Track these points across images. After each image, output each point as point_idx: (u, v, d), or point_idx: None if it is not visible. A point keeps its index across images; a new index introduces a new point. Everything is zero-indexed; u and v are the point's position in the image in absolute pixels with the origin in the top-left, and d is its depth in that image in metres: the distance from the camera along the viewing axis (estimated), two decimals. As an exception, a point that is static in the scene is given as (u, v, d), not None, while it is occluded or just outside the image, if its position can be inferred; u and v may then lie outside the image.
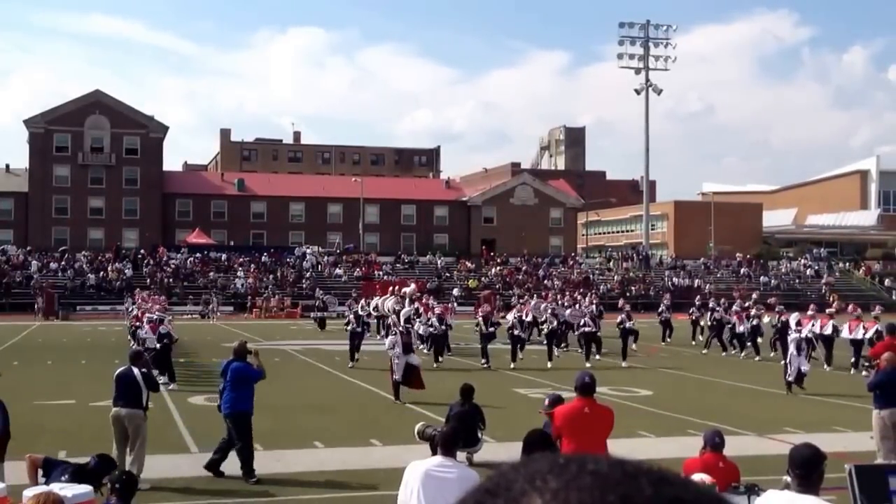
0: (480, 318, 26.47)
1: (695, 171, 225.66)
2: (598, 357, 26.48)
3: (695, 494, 0.76)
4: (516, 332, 25.75)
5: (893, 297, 63.67)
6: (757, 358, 28.04)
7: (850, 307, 28.96)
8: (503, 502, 0.75)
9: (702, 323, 33.24)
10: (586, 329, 26.77)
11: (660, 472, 0.77)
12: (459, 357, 27.40)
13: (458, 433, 7.10)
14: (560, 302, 32.18)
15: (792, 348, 20.89)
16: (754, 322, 29.03)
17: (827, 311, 28.47)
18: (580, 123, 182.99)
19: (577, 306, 30.22)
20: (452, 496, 4.21)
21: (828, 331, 26.07)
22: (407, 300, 27.71)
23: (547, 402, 9.00)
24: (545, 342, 27.16)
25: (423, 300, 30.29)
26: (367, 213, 74.92)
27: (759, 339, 28.89)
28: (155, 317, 22.86)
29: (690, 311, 34.69)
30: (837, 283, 67.75)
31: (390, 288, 34.53)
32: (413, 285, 34.38)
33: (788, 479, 5.64)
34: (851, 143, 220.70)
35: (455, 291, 58.21)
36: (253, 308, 53.22)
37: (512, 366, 24.63)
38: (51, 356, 27.45)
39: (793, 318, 24.12)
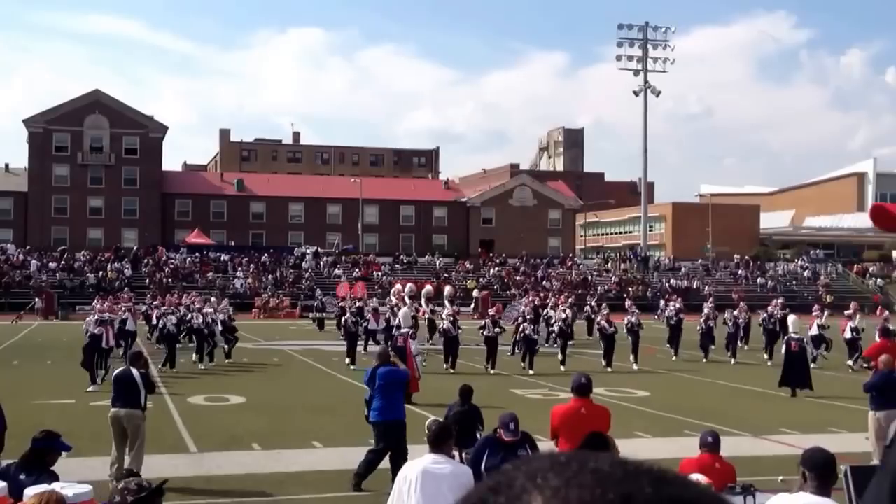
0: (489, 320, 25.91)
1: (693, 173, 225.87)
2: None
3: (695, 494, 0.76)
4: (527, 334, 25.25)
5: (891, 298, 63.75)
6: (732, 361, 27.79)
7: (879, 309, 28.98)
8: (505, 500, 0.76)
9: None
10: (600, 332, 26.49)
11: (660, 472, 0.77)
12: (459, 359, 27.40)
13: (447, 430, 7.13)
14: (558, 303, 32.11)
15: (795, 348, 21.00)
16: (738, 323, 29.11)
17: (846, 312, 28.37)
18: (579, 125, 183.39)
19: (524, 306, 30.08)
20: (448, 489, 4.33)
21: (847, 334, 26.14)
22: (410, 299, 27.66)
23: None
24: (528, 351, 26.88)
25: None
26: (366, 213, 74.96)
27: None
28: (96, 317, 23.26)
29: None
30: (834, 285, 67.89)
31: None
32: (428, 286, 34.43)
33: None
34: (849, 146, 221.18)
35: (475, 293, 56.28)
36: (252, 308, 53.23)
37: (530, 372, 23.84)
38: (50, 356, 27.48)
39: (791, 319, 24.09)
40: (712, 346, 28.86)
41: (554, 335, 28.14)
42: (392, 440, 11.14)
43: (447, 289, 32.74)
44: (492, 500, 0.76)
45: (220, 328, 26.27)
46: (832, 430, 15.53)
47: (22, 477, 7.06)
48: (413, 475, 6.52)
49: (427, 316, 30.15)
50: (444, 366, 24.27)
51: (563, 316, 27.87)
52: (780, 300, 33.52)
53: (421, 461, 6.71)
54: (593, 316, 34.20)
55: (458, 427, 9.41)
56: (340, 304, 36.66)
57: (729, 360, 28.00)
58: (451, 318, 25.66)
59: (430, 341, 29.86)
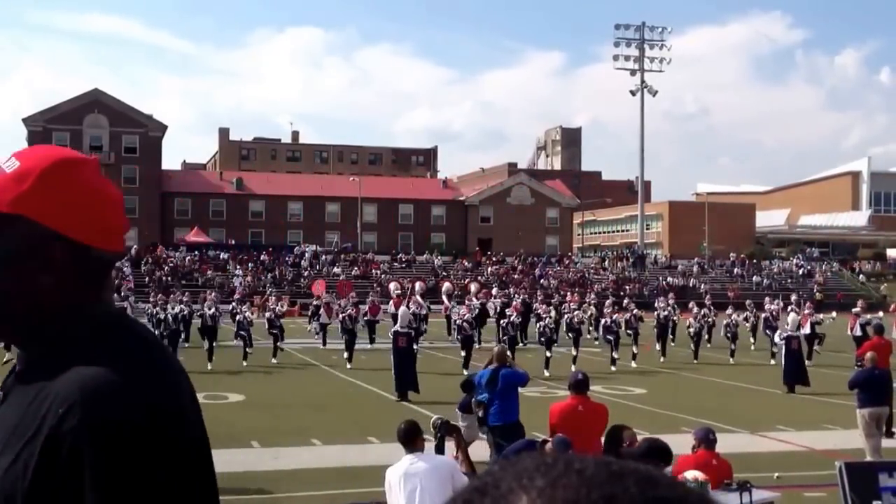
0: (505, 320, 25.56)
1: (689, 172, 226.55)
2: (616, 356, 25.90)
3: (680, 494, 0.76)
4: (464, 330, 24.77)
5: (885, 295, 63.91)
6: (731, 361, 27.32)
7: (893, 307, 28.93)
8: (491, 500, 0.75)
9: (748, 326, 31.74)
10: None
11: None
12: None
13: (413, 428, 7.23)
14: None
15: (782, 347, 21.14)
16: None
17: (853, 310, 28.31)
18: (576, 124, 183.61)
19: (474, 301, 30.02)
20: (434, 484, 4.49)
21: (857, 331, 26.16)
22: (412, 298, 27.65)
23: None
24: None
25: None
26: (364, 212, 75.04)
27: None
28: None
29: (745, 315, 32.13)
30: (828, 283, 68.08)
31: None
32: (447, 283, 34.50)
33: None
34: (843, 145, 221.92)
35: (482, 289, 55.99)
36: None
37: (465, 372, 22.14)
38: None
39: (791, 317, 24.13)
40: (708, 345, 28.93)
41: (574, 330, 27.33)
42: (511, 441, 11.01)
43: (473, 286, 32.75)
44: (478, 500, 0.76)
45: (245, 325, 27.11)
46: (828, 426, 15.64)
47: None
48: (394, 480, 6.78)
49: (448, 312, 30.48)
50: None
51: (592, 310, 27.95)
52: (795, 297, 33.37)
53: (400, 465, 6.93)
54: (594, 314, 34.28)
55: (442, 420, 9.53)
56: (315, 303, 37.06)
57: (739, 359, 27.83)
58: (468, 316, 25.53)
59: (451, 338, 30.17)
